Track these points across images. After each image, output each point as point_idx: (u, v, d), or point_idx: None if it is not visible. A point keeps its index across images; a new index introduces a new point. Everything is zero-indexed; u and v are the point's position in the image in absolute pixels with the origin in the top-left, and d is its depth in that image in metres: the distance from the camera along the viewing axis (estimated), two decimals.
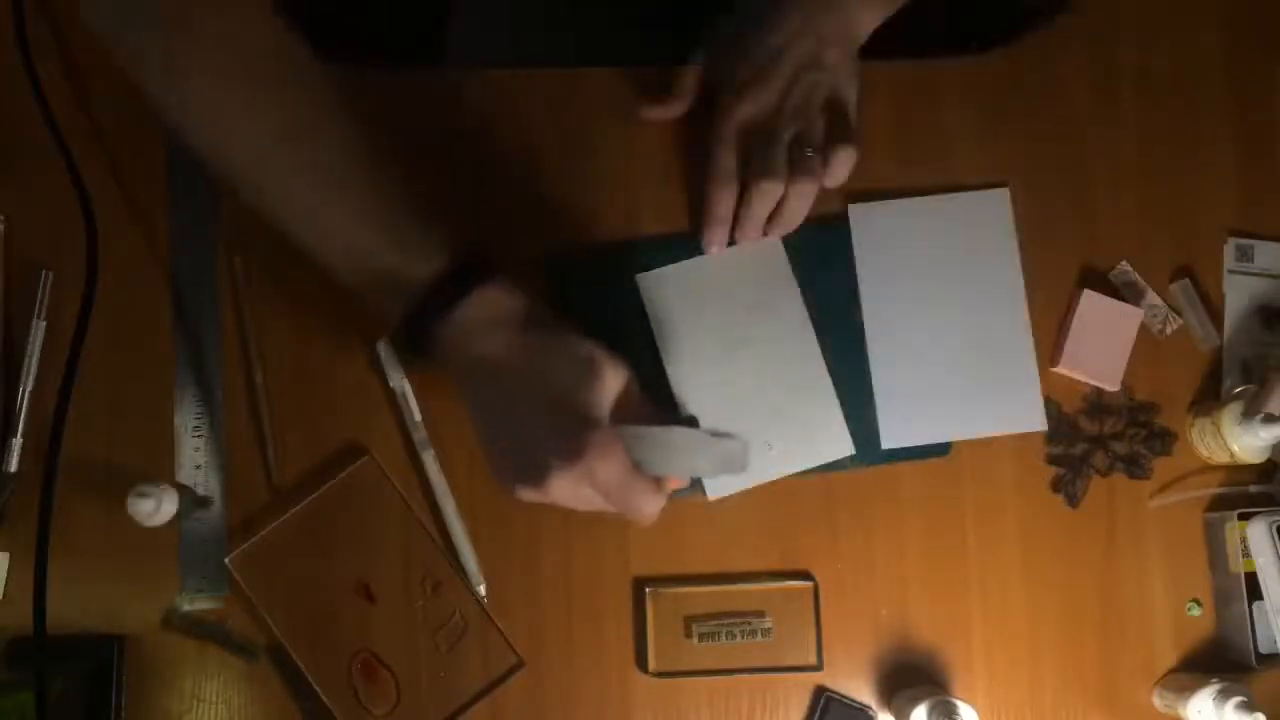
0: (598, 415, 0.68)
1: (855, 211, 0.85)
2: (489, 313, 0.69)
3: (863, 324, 0.84)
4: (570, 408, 0.68)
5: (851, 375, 0.83)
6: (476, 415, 0.71)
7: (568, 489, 0.67)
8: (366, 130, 0.70)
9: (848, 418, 0.83)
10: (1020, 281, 0.85)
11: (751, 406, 0.82)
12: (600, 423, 0.67)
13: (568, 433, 0.67)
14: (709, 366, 0.82)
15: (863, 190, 0.85)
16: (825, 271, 0.84)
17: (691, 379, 0.82)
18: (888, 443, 0.83)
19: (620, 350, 0.70)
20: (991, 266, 0.84)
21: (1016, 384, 0.84)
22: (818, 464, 0.83)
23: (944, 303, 0.84)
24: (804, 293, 0.83)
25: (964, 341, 0.84)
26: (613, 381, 0.69)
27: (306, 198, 0.69)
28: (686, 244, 0.84)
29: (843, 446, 0.83)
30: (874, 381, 0.83)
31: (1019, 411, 0.84)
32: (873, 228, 0.84)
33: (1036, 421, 0.84)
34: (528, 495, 0.68)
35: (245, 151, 0.69)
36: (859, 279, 0.84)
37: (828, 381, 0.83)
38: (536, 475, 0.67)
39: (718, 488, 0.83)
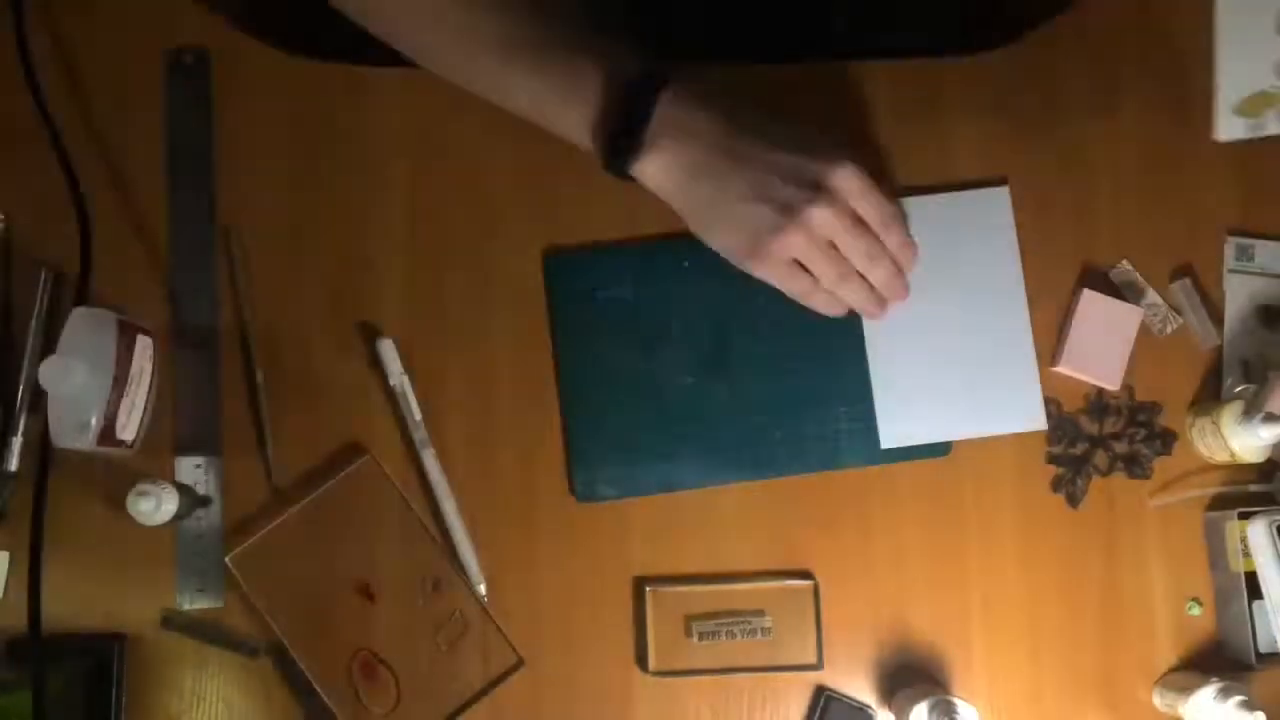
0: (843, 142, 0.72)
1: None
2: (694, 92, 0.72)
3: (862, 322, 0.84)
4: (816, 137, 0.72)
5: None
6: (704, 191, 0.73)
7: (828, 218, 0.71)
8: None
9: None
10: (1020, 280, 0.84)
11: (946, 356, 0.82)
12: (848, 147, 0.72)
13: (821, 155, 0.71)
14: (902, 306, 0.81)
15: None
16: None
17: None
18: (887, 442, 0.83)
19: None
20: (991, 265, 0.84)
21: (1016, 383, 0.84)
22: (1009, 431, 0.83)
23: (943, 302, 0.84)
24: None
25: (963, 341, 0.84)
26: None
27: (489, 67, 0.76)
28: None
29: (1034, 420, 0.83)
30: (872, 381, 0.83)
31: (1019, 411, 0.84)
32: None
33: (1037, 420, 0.84)
34: (780, 248, 0.72)
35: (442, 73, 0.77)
36: None
37: (1030, 350, 0.83)
38: (795, 207, 0.70)
39: (892, 437, 0.82)
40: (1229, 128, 0.66)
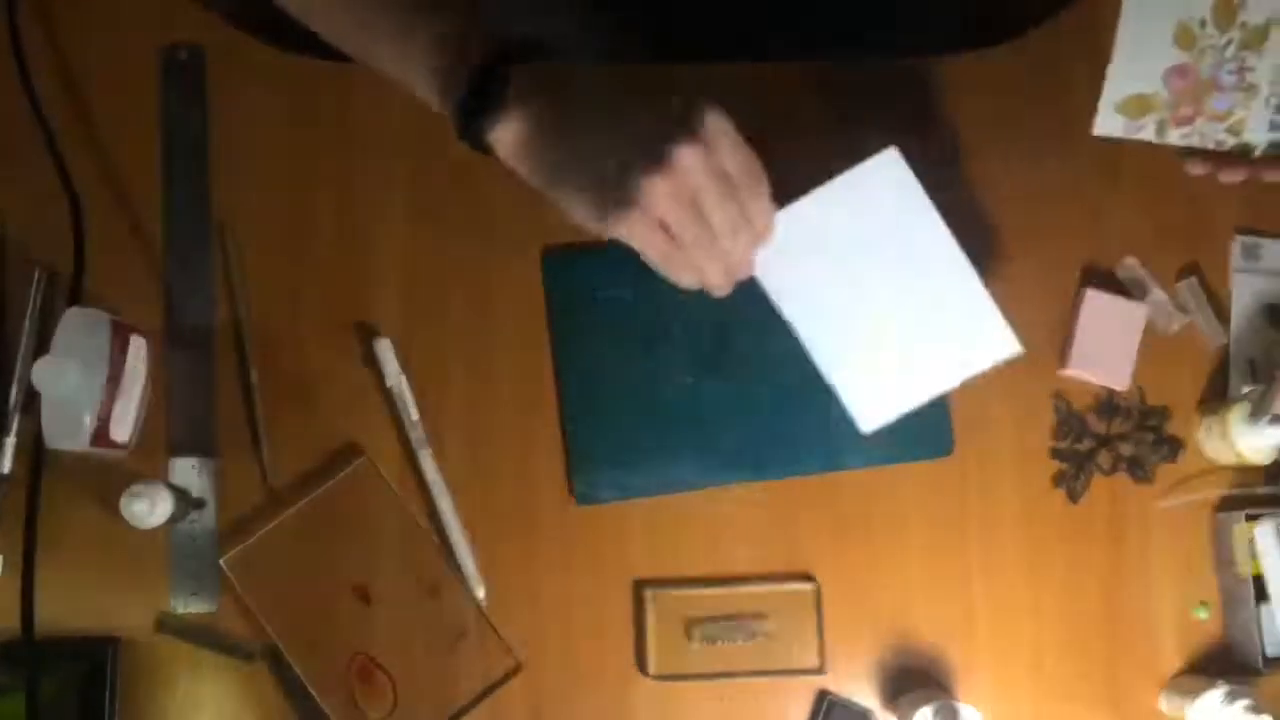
0: (701, 100, 0.65)
1: None
2: (547, 68, 0.67)
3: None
4: (669, 99, 0.65)
5: None
6: (563, 146, 0.67)
7: (697, 163, 0.64)
8: None
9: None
10: (940, 225, 0.81)
11: (893, 325, 0.78)
12: (708, 103, 0.65)
13: (678, 112, 0.65)
14: (830, 297, 0.78)
15: None
16: None
17: (811, 314, 0.78)
18: (866, 427, 0.80)
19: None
20: (909, 224, 0.81)
21: (974, 320, 0.81)
22: (985, 367, 0.80)
23: (874, 274, 0.80)
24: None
25: (907, 302, 0.80)
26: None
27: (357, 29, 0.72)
28: None
29: (1007, 345, 0.80)
30: (828, 380, 0.80)
31: (987, 343, 0.81)
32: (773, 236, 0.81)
33: (1011, 345, 0.81)
34: (644, 195, 0.65)
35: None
36: (767, 289, 0.81)
37: (976, 281, 0.80)
38: (660, 148, 0.64)
39: (869, 419, 0.79)
40: (1107, 124, 0.66)
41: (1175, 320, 0.86)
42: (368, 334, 0.82)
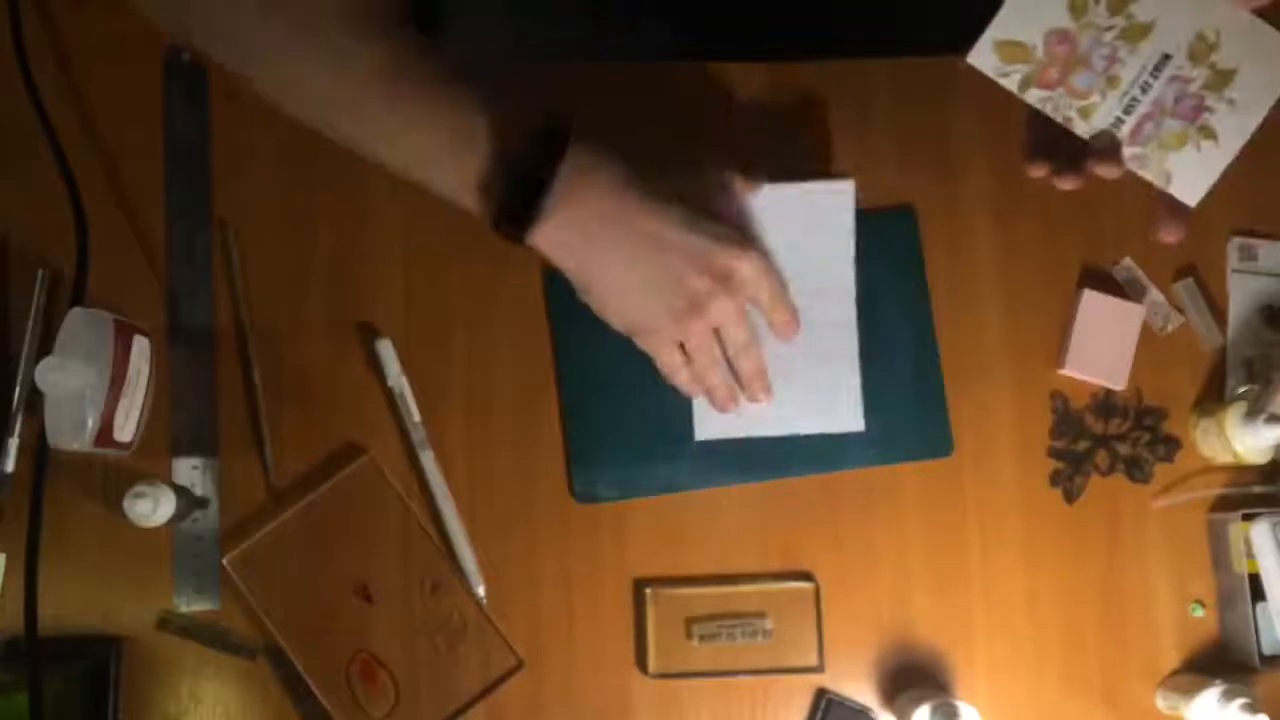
0: (748, 223, 0.73)
1: None
2: (592, 161, 0.68)
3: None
4: (720, 210, 0.72)
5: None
6: (601, 269, 0.70)
7: (727, 309, 0.71)
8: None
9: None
10: (850, 278, 0.82)
11: (769, 348, 0.79)
12: (753, 230, 0.73)
13: (726, 240, 0.70)
14: None
15: (863, 187, 0.84)
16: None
17: None
18: (698, 435, 0.82)
19: None
20: (825, 260, 0.82)
21: (837, 382, 0.82)
22: (821, 431, 0.82)
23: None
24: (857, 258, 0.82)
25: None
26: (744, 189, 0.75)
27: (375, 141, 0.70)
28: None
29: (853, 421, 0.82)
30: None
31: (839, 410, 0.82)
32: None
33: (857, 422, 0.82)
34: (678, 331, 0.72)
35: (309, 108, 0.69)
36: None
37: (854, 352, 0.82)
38: (700, 299, 0.70)
39: (707, 429, 0.82)
40: (981, 58, 0.66)
41: (1172, 321, 0.86)
42: (369, 334, 0.82)
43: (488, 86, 0.68)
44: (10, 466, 0.79)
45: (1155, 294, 0.86)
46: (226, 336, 0.82)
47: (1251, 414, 0.80)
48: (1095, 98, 0.66)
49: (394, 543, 0.81)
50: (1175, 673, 0.83)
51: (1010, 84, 0.67)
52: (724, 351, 0.75)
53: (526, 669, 0.81)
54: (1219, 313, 0.86)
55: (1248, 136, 0.67)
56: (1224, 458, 0.83)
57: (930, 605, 0.83)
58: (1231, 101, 0.66)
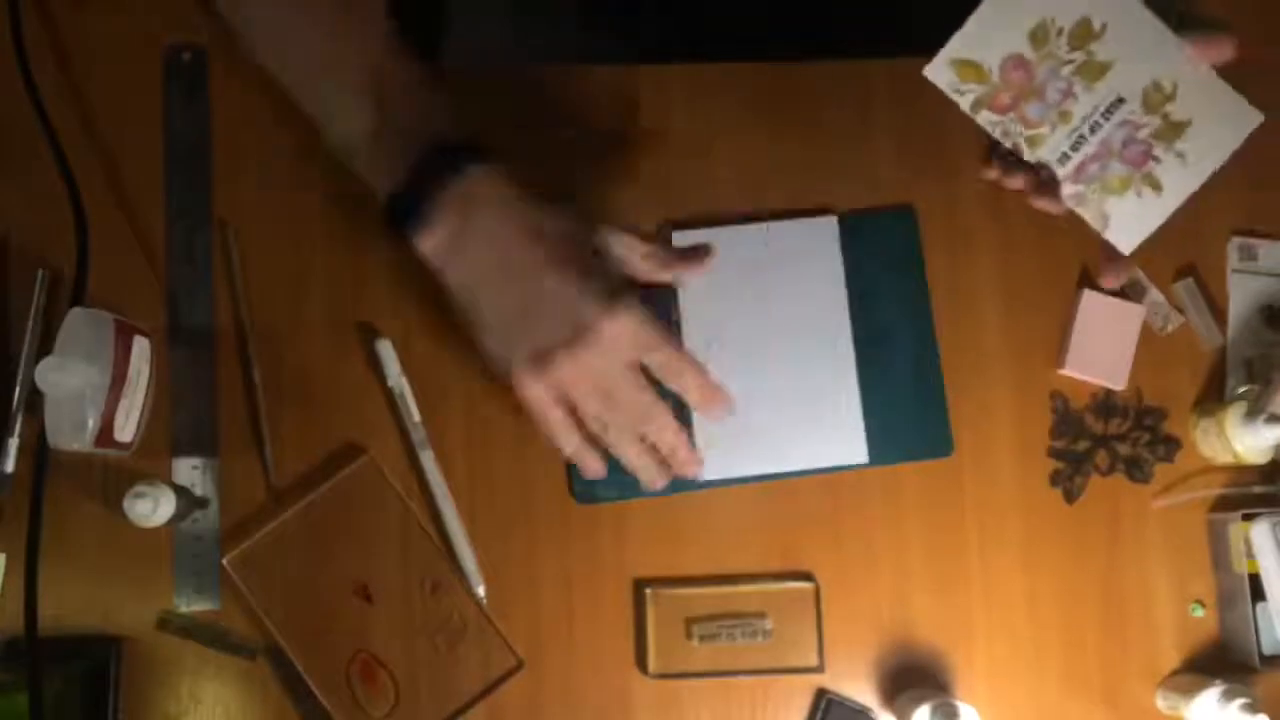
0: (627, 283, 0.67)
1: (679, 239, 0.83)
2: (493, 184, 0.67)
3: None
4: (595, 270, 0.66)
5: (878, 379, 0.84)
6: (474, 290, 0.68)
7: (592, 360, 0.65)
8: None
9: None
10: (844, 312, 0.83)
11: (770, 393, 0.81)
12: (632, 291, 0.66)
13: (598, 292, 0.65)
14: (733, 338, 0.80)
15: (863, 187, 0.85)
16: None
17: (706, 342, 0.81)
18: (703, 476, 0.80)
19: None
20: (815, 298, 0.83)
21: (839, 416, 0.83)
22: (826, 466, 0.82)
23: (764, 330, 0.82)
24: (848, 286, 0.83)
25: (783, 373, 0.82)
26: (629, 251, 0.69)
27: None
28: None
29: (857, 453, 0.82)
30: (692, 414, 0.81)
31: (842, 443, 0.83)
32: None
33: (860, 455, 0.83)
34: (532, 378, 0.66)
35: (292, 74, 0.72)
36: (682, 312, 0.83)
37: (854, 385, 0.82)
38: (561, 338, 0.65)
39: (715, 469, 0.81)
40: (937, 72, 0.66)
41: (1172, 321, 0.86)
42: (369, 335, 0.82)
43: (436, 88, 0.70)
44: (10, 466, 0.79)
45: (1155, 294, 0.86)
46: (226, 336, 0.82)
47: (1251, 414, 0.80)
48: (1045, 129, 0.66)
49: (394, 543, 0.81)
50: (1175, 673, 0.83)
51: (963, 103, 0.67)
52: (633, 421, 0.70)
53: (526, 669, 0.81)
54: (1219, 313, 0.86)
55: (1190, 192, 0.67)
56: (1224, 458, 0.83)
57: (930, 605, 0.83)
58: (1180, 155, 0.66)
